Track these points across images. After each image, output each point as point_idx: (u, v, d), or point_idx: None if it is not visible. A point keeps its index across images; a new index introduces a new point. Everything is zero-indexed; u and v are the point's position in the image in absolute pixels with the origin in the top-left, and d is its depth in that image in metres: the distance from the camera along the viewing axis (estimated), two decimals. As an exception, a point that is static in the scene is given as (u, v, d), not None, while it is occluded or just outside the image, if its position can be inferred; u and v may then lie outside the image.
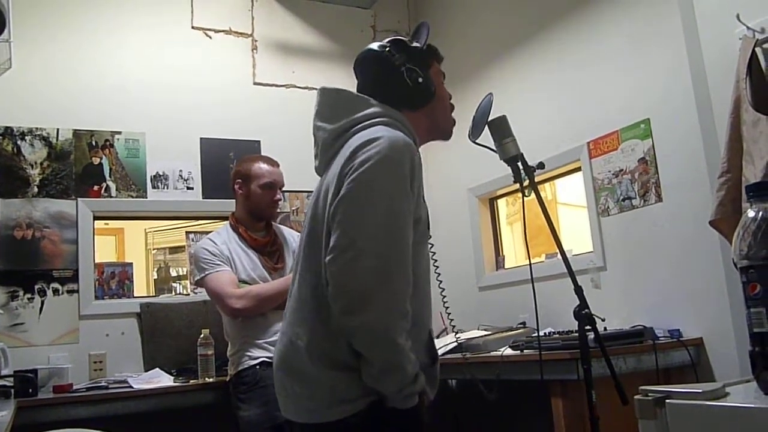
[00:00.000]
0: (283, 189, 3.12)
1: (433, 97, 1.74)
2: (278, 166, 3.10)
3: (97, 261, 3.68)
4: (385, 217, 1.45)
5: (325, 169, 1.65)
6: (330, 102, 1.71)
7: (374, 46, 1.74)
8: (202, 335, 3.15)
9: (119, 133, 3.80)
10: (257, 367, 2.79)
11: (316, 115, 1.72)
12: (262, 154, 3.83)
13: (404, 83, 1.68)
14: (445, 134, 1.82)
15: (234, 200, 3.14)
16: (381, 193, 1.47)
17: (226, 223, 3.12)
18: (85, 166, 3.69)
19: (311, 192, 1.71)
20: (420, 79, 1.70)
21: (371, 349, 1.44)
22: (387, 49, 1.71)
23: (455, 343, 3.07)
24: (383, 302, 1.42)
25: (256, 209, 3.02)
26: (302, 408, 1.55)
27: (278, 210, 3.17)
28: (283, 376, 1.59)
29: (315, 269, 1.54)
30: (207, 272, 2.89)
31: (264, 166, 3.05)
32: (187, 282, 4.16)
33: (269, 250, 3.03)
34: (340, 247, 1.44)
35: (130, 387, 3.09)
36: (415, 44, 1.75)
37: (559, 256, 2.04)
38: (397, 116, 1.65)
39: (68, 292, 3.52)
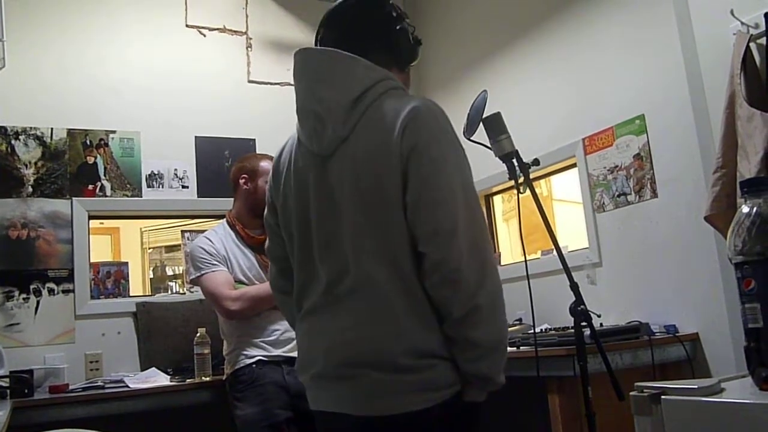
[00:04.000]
0: None
1: (410, 68, 1.67)
2: None
3: (92, 260, 3.67)
4: (470, 193, 1.47)
5: (337, 148, 1.48)
6: (325, 66, 1.53)
7: None
8: (198, 334, 3.15)
9: (114, 132, 3.79)
10: (254, 365, 2.78)
11: (310, 81, 1.55)
12: (258, 152, 3.83)
13: (407, 37, 1.61)
14: None
15: (229, 199, 3.14)
16: (460, 169, 1.46)
17: (223, 220, 3.11)
18: (80, 165, 3.68)
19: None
20: (417, 37, 1.64)
21: (485, 328, 1.42)
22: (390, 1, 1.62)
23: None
24: (492, 281, 1.43)
25: (260, 205, 2.99)
26: (384, 397, 1.41)
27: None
28: (355, 369, 1.43)
29: (388, 259, 1.43)
30: (203, 272, 2.88)
31: (271, 164, 3.05)
32: (183, 281, 4.16)
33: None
34: (442, 236, 1.38)
35: (127, 386, 3.08)
36: None
37: (554, 252, 2.04)
38: (395, 79, 1.55)
39: (64, 291, 3.51)
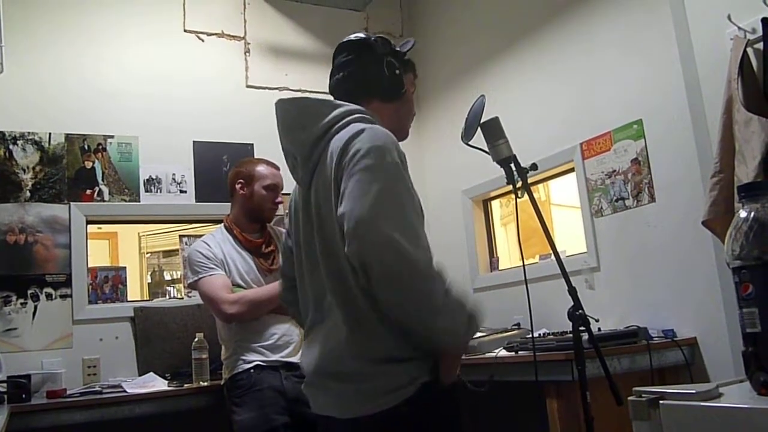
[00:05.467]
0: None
1: (403, 95, 1.81)
2: (279, 169, 3.12)
3: (90, 265, 3.66)
4: (383, 191, 1.48)
5: (311, 179, 1.68)
6: (294, 113, 1.74)
7: (361, 34, 1.82)
8: (196, 339, 3.14)
9: (112, 136, 3.79)
10: (252, 370, 2.78)
11: (285, 129, 1.75)
12: (256, 157, 3.83)
13: (383, 71, 1.75)
14: (401, 138, 1.83)
15: (227, 204, 3.15)
16: (380, 174, 1.51)
17: (221, 225, 3.11)
18: (78, 170, 3.68)
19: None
20: (397, 71, 1.78)
21: (409, 288, 1.45)
22: (372, 38, 1.80)
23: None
24: (406, 249, 1.43)
25: (257, 210, 3.01)
26: (349, 403, 1.57)
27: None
28: (323, 379, 1.63)
29: (338, 274, 1.58)
30: (200, 276, 2.88)
31: (267, 168, 3.07)
32: (181, 285, 4.15)
33: (264, 252, 3.02)
34: (349, 233, 1.46)
35: (124, 391, 3.07)
36: (398, 48, 1.83)
37: (552, 257, 2.04)
38: (364, 111, 1.70)
39: (61, 296, 3.50)
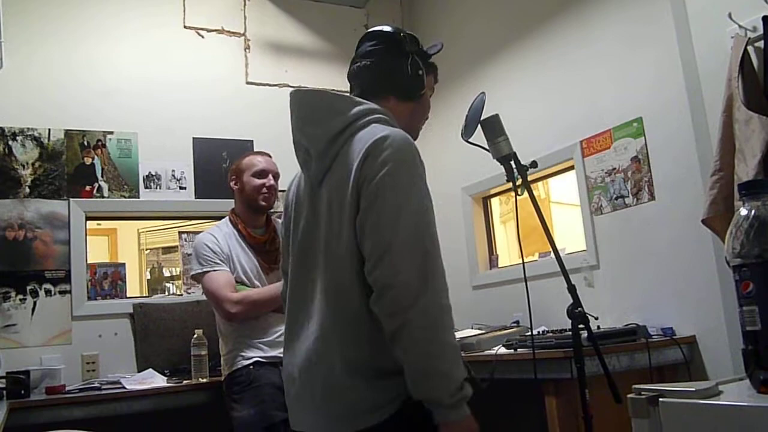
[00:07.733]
0: (278, 177, 3.07)
1: (421, 97, 1.76)
2: (270, 156, 3.12)
3: (89, 261, 3.67)
4: (416, 217, 1.48)
5: (324, 177, 1.61)
6: (311, 106, 1.69)
7: (390, 27, 1.77)
8: (195, 335, 3.14)
9: (111, 133, 3.78)
10: (251, 367, 2.78)
11: (300, 121, 1.69)
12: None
13: (405, 69, 1.70)
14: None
15: (226, 200, 3.17)
16: (407, 195, 1.48)
17: (226, 218, 3.10)
18: (77, 166, 3.68)
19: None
20: (420, 72, 1.73)
21: (417, 347, 1.41)
22: (402, 34, 1.74)
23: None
24: (426, 301, 1.41)
25: (250, 199, 3.02)
26: (335, 419, 1.52)
27: (274, 202, 3.12)
28: (310, 392, 1.56)
29: (342, 281, 1.52)
30: (205, 269, 2.88)
31: (254, 157, 3.11)
32: (181, 282, 4.15)
33: (267, 249, 3.02)
34: (378, 254, 1.44)
35: (123, 388, 3.08)
36: (425, 49, 1.80)
37: (552, 254, 2.04)
38: (383, 111, 1.65)
39: (60, 292, 3.50)
